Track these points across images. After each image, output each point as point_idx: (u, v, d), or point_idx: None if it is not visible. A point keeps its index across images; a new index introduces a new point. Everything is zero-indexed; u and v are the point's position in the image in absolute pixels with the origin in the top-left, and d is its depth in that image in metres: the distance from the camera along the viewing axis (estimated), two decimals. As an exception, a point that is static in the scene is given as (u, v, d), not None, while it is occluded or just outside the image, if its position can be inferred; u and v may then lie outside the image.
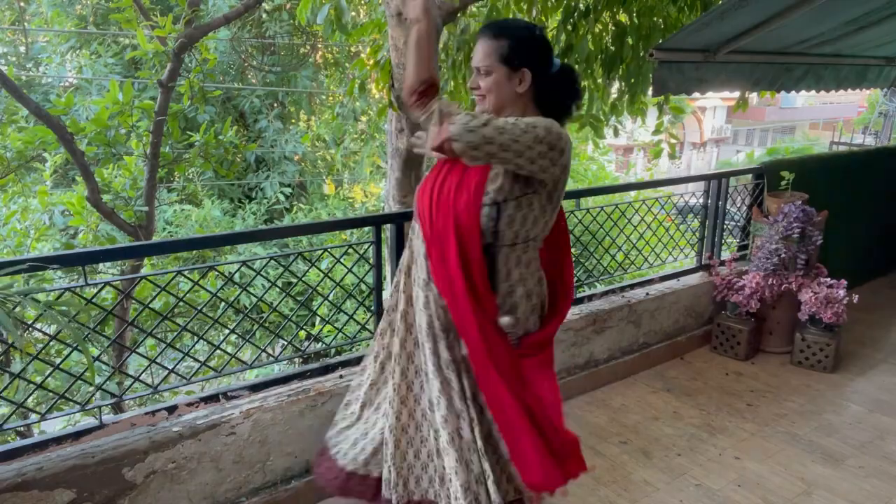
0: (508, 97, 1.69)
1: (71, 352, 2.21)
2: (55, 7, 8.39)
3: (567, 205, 3.44)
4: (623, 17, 3.78)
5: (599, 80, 3.90)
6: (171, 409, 2.17)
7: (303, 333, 4.27)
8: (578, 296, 3.38)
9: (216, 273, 3.33)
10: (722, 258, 3.93)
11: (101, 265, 5.30)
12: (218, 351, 2.36)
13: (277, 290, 2.87)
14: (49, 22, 8.57)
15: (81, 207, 4.37)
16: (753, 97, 4.53)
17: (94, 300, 2.06)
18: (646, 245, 3.66)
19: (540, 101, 1.72)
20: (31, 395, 2.06)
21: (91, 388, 2.17)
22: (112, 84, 4.21)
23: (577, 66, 3.67)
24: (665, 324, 3.66)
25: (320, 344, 4.92)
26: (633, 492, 2.51)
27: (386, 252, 2.61)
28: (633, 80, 3.78)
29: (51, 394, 2.47)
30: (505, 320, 1.67)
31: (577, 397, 3.22)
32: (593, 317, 3.26)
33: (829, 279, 3.58)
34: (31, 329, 2.26)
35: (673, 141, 4.56)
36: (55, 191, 5.46)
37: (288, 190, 9.41)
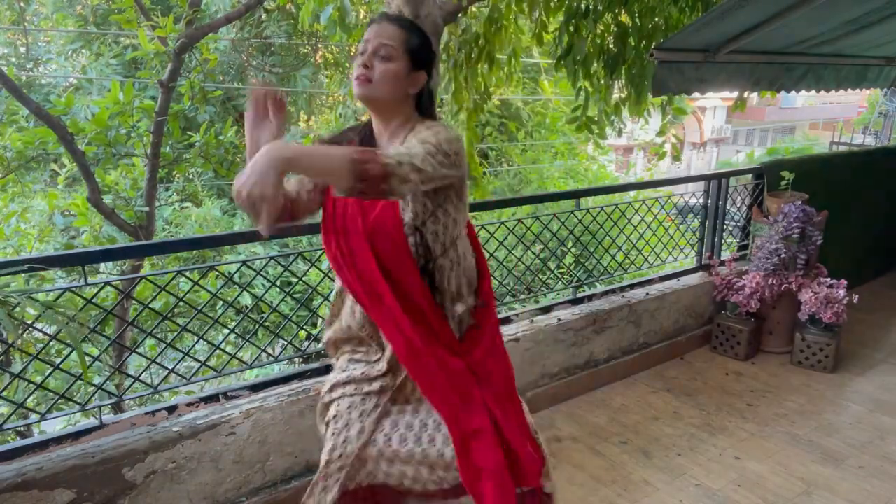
0: (399, 94, 1.54)
1: (71, 352, 2.22)
2: (59, 10, 8.40)
3: (567, 205, 3.45)
4: (625, 18, 3.78)
5: (602, 81, 3.91)
6: (171, 409, 2.18)
7: (303, 333, 4.27)
8: (578, 296, 3.38)
9: (216, 273, 3.34)
10: (722, 258, 3.93)
11: (101, 265, 5.29)
12: (218, 351, 2.36)
13: (277, 289, 2.87)
14: (54, 22, 8.58)
15: (85, 209, 4.37)
16: (753, 97, 4.54)
17: (94, 300, 2.06)
18: (646, 245, 3.66)
19: (419, 106, 1.60)
20: (31, 395, 2.06)
21: (91, 388, 2.17)
22: (113, 84, 4.21)
23: (576, 67, 3.67)
24: (665, 324, 3.66)
25: (320, 344, 4.91)
26: (633, 492, 2.51)
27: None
28: (638, 81, 3.78)
29: (51, 394, 2.47)
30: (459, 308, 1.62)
31: (577, 397, 3.22)
32: (593, 317, 3.26)
33: (829, 279, 3.58)
34: (31, 329, 2.26)
35: (675, 141, 4.56)
36: (54, 191, 5.46)
37: None
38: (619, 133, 4.25)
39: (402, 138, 1.55)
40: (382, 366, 1.65)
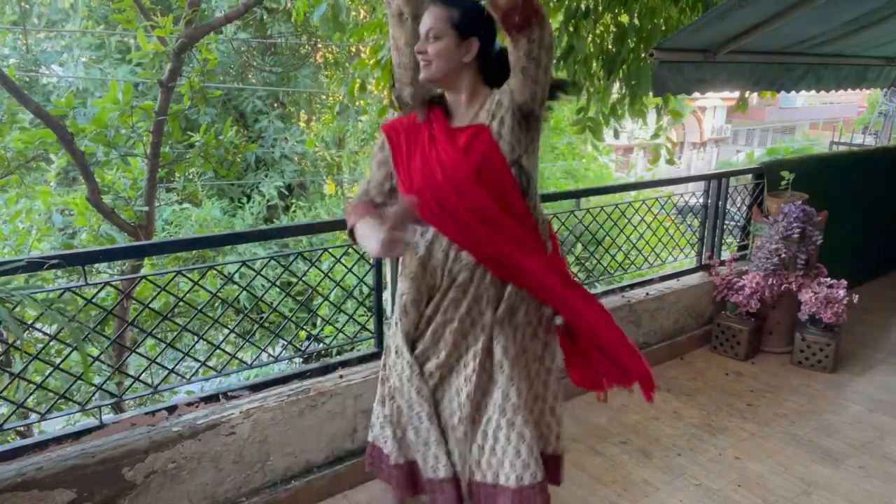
0: (455, 65, 1.67)
1: (71, 352, 2.22)
2: (85, 20, 8.41)
3: (567, 205, 3.45)
4: (624, 18, 3.78)
5: (601, 82, 3.91)
6: (171, 409, 2.18)
7: (303, 333, 4.27)
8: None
9: (216, 273, 3.33)
10: (722, 258, 3.93)
11: (101, 265, 5.30)
12: (218, 351, 2.36)
13: (277, 290, 2.87)
14: (65, 24, 8.58)
15: (85, 208, 4.37)
16: (753, 97, 4.54)
17: (94, 300, 2.06)
18: (646, 245, 3.66)
19: (485, 74, 1.72)
20: (31, 394, 2.06)
21: (91, 388, 2.17)
22: (112, 84, 4.21)
23: (576, 67, 3.67)
24: (665, 324, 3.66)
25: (320, 344, 4.92)
26: (633, 492, 2.51)
27: (386, 252, 2.61)
28: (633, 82, 3.78)
29: (51, 394, 2.47)
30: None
31: (577, 397, 3.22)
32: (593, 317, 3.25)
33: (829, 279, 3.58)
34: (30, 329, 2.26)
35: (669, 145, 4.56)
36: (56, 190, 5.46)
37: (283, 189, 9.40)
38: (616, 134, 4.24)
39: (477, 109, 1.69)
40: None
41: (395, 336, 1.81)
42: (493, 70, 1.71)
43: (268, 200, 8.98)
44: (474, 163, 1.65)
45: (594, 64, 3.75)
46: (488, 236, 1.66)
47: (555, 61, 3.78)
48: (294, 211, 9.31)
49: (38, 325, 2.33)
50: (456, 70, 1.68)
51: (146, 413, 2.14)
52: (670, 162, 4.56)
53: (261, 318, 2.65)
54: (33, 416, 2.15)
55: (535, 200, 1.74)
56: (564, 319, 1.82)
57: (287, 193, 9.60)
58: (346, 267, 2.70)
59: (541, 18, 1.49)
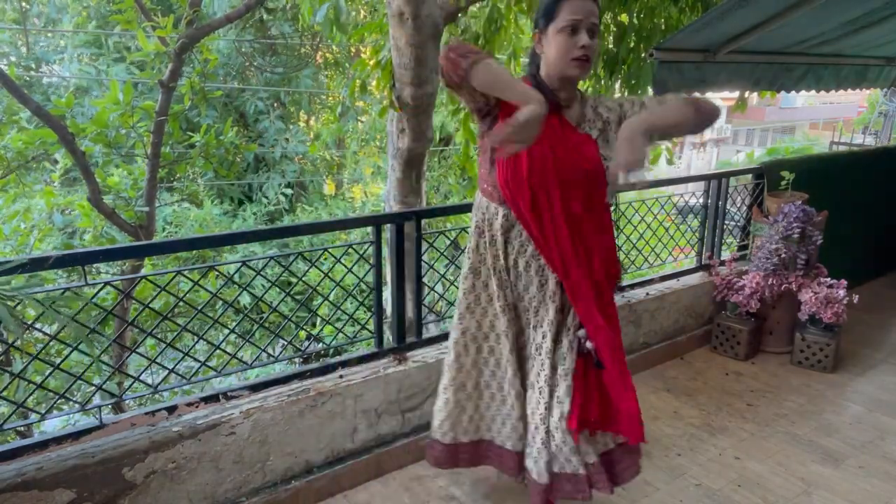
0: None
1: (71, 352, 2.22)
2: (60, 10, 8.40)
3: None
4: (624, 18, 3.79)
5: (602, 82, 3.91)
6: (171, 409, 2.18)
7: (303, 333, 4.28)
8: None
9: (216, 273, 3.34)
10: (722, 258, 3.93)
11: (101, 265, 5.30)
12: (218, 351, 2.36)
13: (277, 290, 2.87)
14: (61, 23, 8.58)
15: (90, 209, 4.37)
16: (753, 97, 4.54)
17: (94, 300, 2.06)
18: (646, 245, 3.66)
19: None
20: (31, 394, 2.06)
21: (91, 388, 2.17)
22: (112, 84, 4.21)
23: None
24: (665, 324, 3.66)
25: (320, 344, 4.92)
26: (633, 492, 2.51)
27: (386, 252, 2.62)
28: (633, 82, 3.78)
29: (51, 394, 2.47)
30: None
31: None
32: (593, 317, 3.25)
33: (829, 279, 3.58)
34: (31, 329, 2.26)
35: (669, 145, 4.56)
36: (58, 191, 5.46)
37: (289, 191, 9.42)
38: (616, 134, 4.24)
39: (579, 111, 1.78)
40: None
41: None
42: None
43: (275, 204, 9.01)
44: (593, 160, 1.77)
45: (595, 64, 3.75)
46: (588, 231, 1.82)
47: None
48: (298, 212, 9.31)
49: (38, 325, 2.33)
50: None
51: (146, 413, 2.14)
52: (670, 162, 4.57)
53: (261, 318, 2.65)
54: (33, 416, 2.15)
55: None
56: (594, 346, 1.92)
57: (289, 194, 9.61)
58: (345, 267, 2.70)
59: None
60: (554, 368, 1.90)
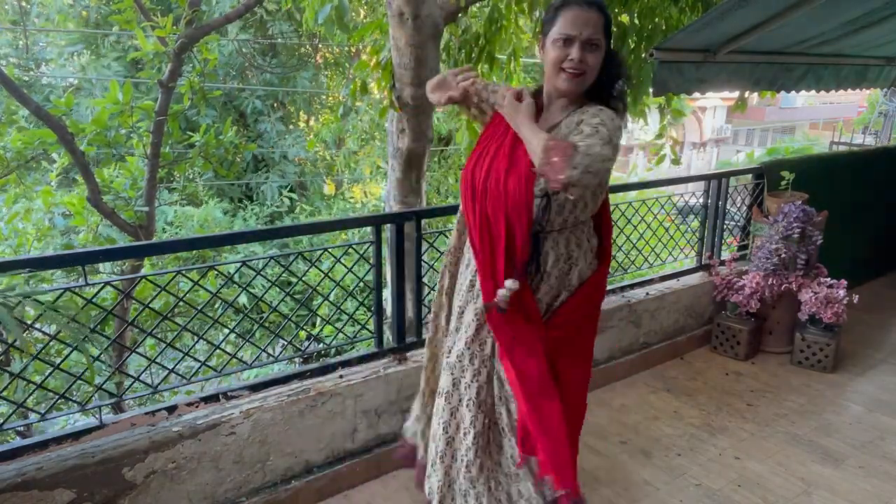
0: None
1: (71, 352, 2.22)
2: (61, 12, 8.41)
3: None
4: (624, 19, 3.79)
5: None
6: (171, 409, 2.17)
7: (303, 333, 4.28)
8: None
9: (216, 273, 3.33)
10: (722, 258, 3.93)
11: (101, 265, 5.29)
12: (218, 351, 2.36)
13: (277, 289, 2.87)
14: (56, 23, 8.58)
15: (82, 207, 4.37)
16: (753, 97, 4.54)
17: (94, 300, 2.06)
18: (646, 245, 3.66)
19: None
20: (31, 394, 2.06)
21: (91, 388, 2.17)
22: (112, 84, 4.21)
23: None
24: (665, 324, 3.66)
25: (320, 344, 4.92)
26: (633, 492, 2.51)
27: (386, 252, 2.62)
28: (634, 82, 3.78)
29: (51, 394, 2.47)
30: (508, 285, 1.63)
31: (577, 397, 3.22)
32: (593, 317, 3.25)
33: (829, 279, 3.58)
34: (30, 329, 2.26)
35: (672, 145, 4.56)
36: (56, 191, 5.45)
37: (294, 196, 9.42)
38: (617, 134, 4.24)
39: (561, 118, 1.66)
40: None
41: None
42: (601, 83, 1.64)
43: (277, 206, 9.01)
44: (511, 187, 1.65)
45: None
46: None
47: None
48: (298, 212, 9.32)
49: (38, 325, 2.33)
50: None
51: (146, 413, 2.14)
52: (675, 162, 4.57)
53: (261, 318, 2.65)
54: (33, 416, 2.15)
55: (545, 262, 1.71)
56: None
57: (284, 193, 9.61)
58: (346, 267, 2.70)
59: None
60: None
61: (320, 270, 2.76)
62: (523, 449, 1.70)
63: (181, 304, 2.30)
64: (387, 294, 2.70)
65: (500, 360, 1.73)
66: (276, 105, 10.06)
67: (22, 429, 3.60)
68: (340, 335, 3.62)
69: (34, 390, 2.06)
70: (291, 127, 10.22)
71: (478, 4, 3.82)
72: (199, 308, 2.44)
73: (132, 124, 4.23)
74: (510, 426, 1.75)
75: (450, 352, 1.81)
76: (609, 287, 3.61)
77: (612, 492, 2.50)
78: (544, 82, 1.72)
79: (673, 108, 4.26)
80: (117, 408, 3.06)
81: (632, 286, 3.62)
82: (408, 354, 2.63)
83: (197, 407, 2.21)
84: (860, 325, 4.11)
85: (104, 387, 2.35)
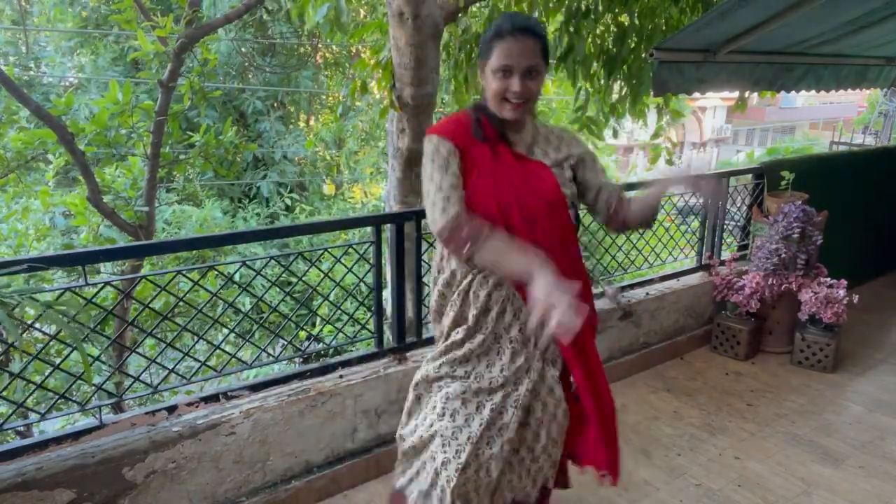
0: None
1: (71, 352, 2.22)
2: (57, 5, 8.40)
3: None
4: (624, 19, 3.79)
5: (601, 82, 3.91)
6: (171, 409, 2.17)
7: (303, 333, 4.28)
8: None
9: (216, 273, 3.33)
10: (722, 258, 3.93)
11: (101, 265, 5.30)
12: (218, 351, 2.36)
13: (277, 289, 2.87)
14: (52, 20, 8.57)
15: (83, 208, 4.37)
16: (753, 97, 4.54)
17: (94, 300, 2.06)
18: (646, 245, 3.66)
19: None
20: (31, 394, 2.06)
21: (91, 388, 2.17)
22: (112, 84, 4.21)
23: (576, 67, 3.67)
24: (665, 324, 3.66)
25: (320, 344, 4.92)
26: (633, 492, 2.51)
27: (386, 252, 2.62)
28: (634, 82, 3.78)
29: (50, 394, 2.47)
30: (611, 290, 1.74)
31: (577, 397, 3.22)
32: (593, 317, 3.25)
33: (829, 279, 3.58)
34: (30, 329, 2.26)
35: (669, 145, 4.56)
36: (56, 191, 5.46)
37: (295, 196, 9.42)
38: (615, 134, 4.24)
39: (530, 140, 1.68)
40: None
41: None
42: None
43: (280, 208, 9.01)
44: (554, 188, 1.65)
45: (594, 64, 3.75)
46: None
47: (554, 62, 3.78)
48: (298, 212, 9.31)
49: (38, 325, 2.33)
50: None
51: (146, 413, 2.14)
52: (670, 162, 4.57)
53: (261, 318, 2.65)
54: (33, 416, 2.15)
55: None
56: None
57: (284, 194, 9.60)
58: (346, 267, 2.70)
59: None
60: None
61: (320, 270, 2.76)
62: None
63: (181, 304, 2.30)
64: (387, 294, 2.70)
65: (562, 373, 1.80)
66: (276, 105, 10.06)
67: (22, 429, 3.60)
68: (340, 335, 3.62)
69: (34, 390, 2.06)
70: (291, 127, 10.21)
71: (478, 4, 3.82)
72: (199, 308, 2.44)
73: (132, 124, 4.23)
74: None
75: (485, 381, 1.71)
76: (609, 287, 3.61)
77: (612, 492, 2.50)
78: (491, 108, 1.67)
79: (671, 108, 4.26)
80: (117, 408, 3.06)
81: (632, 286, 3.62)
82: (408, 354, 2.64)
83: (197, 407, 2.21)
84: (860, 325, 4.11)
85: (104, 387, 2.35)
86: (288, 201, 9.20)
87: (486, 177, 1.61)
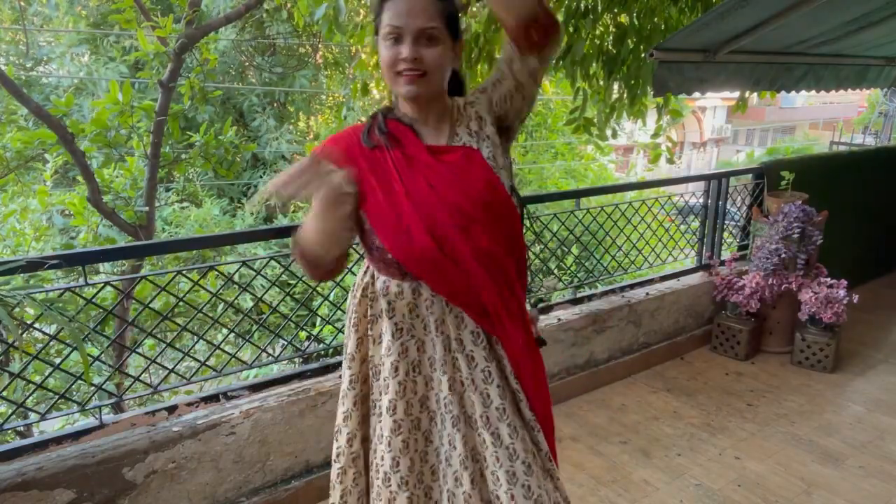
0: (446, 76, 1.35)
1: (71, 352, 2.22)
2: (68, 13, 8.41)
3: (567, 205, 3.45)
4: (623, 19, 3.78)
5: (601, 82, 3.90)
6: (171, 409, 2.18)
7: (303, 334, 4.27)
8: (578, 296, 3.38)
9: (216, 273, 3.33)
10: (722, 258, 3.93)
11: (101, 265, 5.30)
12: (218, 351, 2.36)
13: (277, 289, 2.87)
14: (61, 21, 8.58)
15: (82, 208, 4.37)
16: (753, 97, 4.54)
17: (94, 300, 2.06)
18: (646, 245, 3.66)
19: (451, 83, 1.41)
20: (31, 394, 2.06)
21: (91, 388, 2.17)
22: (112, 84, 4.21)
23: (575, 67, 3.67)
24: (665, 324, 3.66)
25: (320, 344, 4.91)
26: (633, 492, 2.51)
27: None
28: (633, 82, 3.78)
29: (50, 393, 2.47)
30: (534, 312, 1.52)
31: (577, 397, 3.22)
32: (593, 317, 3.26)
33: (829, 279, 3.58)
34: (30, 329, 2.26)
35: (669, 144, 4.55)
36: (55, 191, 5.46)
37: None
38: (615, 135, 4.24)
39: (450, 125, 1.39)
40: None
41: None
42: (457, 77, 1.43)
43: (266, 200, 8.95)
44: (482, 185, 1.35)
45: (594, 64, 3.75)
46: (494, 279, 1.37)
47: (553, 62, 3.78)
48: (294, 211, 9.30)
49: (38, 325, 2.33)
50: (444, 82, 1.35)
51: (146, 413, 2.14)
52: (671, 161, 4.56)
53: (261, 318, 2.65)
54: (33, 416, 2.15)
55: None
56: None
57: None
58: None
59: (559, 33, 1.29)
60: None
61: (320, 270, 2.76)
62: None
63: (181, 304, 2.30)
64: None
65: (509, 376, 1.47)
66: (275, 104, 10.06)
67: (22, 429, 3.60)
68: (340, 335, 3.61)
69: (34, 390, 2.06)
70: (290, 126, 10.21)
71: (478, 4, 3.82)
72: (199, 308, 2.44)
73: (132, 124, 4.23)
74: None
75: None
76: (609, 287, 3.62)
77: (612, 492, 2.50)
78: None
79: (671, 108, 4.26)
80: (117, 408, 3.05)
81: (632, 286, 3.63)
82: (408, 354, 2.63)
83: (197, 407, 2.22)
84: (860, 325, 4.11)
85: (104, 387, 2.35)
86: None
87: (389, 193, 1.33)
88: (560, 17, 3.68)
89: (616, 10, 3.65)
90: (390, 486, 1.45)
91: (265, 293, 5.32)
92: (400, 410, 1.45)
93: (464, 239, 1.32)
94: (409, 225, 1.31)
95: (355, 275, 2.73)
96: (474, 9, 3.97)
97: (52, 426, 3.99)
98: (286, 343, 2.58)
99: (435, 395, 1.45)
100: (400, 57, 1.28)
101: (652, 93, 3.17)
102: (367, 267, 1.50)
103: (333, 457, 1.59)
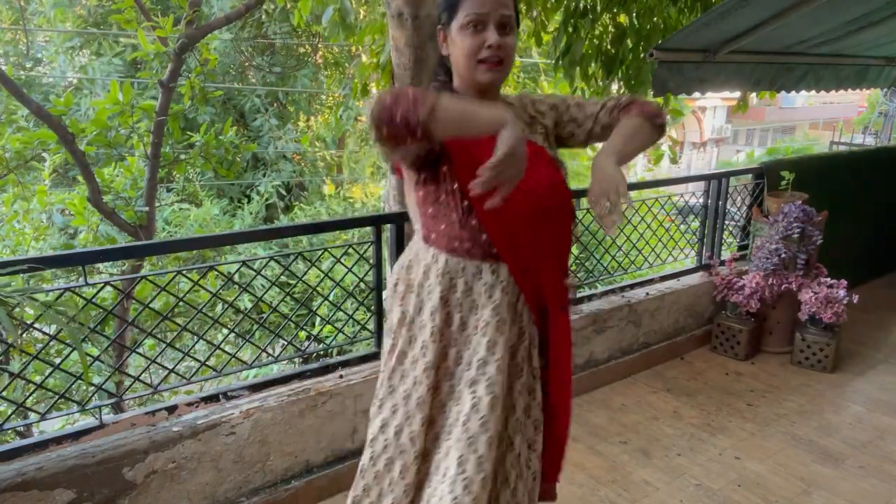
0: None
1: (71, 352, 2.22)
2: (57, 6, 8.39)
3: (567, 205, 3.45)
4: (623, 19, 3.78)
5: (600, 83, 3.90)
6: (171, 409, 2.18)
7: (303, 334, 4.27)
8: (578, 295, 3.38)
9: (216, 273, 3.33)
10: (722, 258, 3.93)
11: (101, 265, 5.29)
12: (218, 351, 2.36)
13: (277, 289, 2.87)
14: (51, 21, 8.57)
15: (82, 207, 4.37)
16: (753, 97, 4.54)
17: (94, 300, 2.06)
18: (646, 245, 3.66)
19: None
20: (31, 394, 2.06)
21: (91, 388, 2.17)
22: (112, 84, 4.21)
23: (574, 68, 3.67)
24: (665, 324, 3.66)
25: (320, 344, 4.91)
26: (633, 492, 2.51)
27: (386, 252, 2.61)
28: (632, 82, 3.78)
29: (50, 393, 2.47)
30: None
31: (577, 397, 3.22)
32: (593, 317, 3.26)
33: (829, 279, 3.58)
34: (30, 329, 2.26)
35: (671, 143, 4.55)
36: (54, 191, 5.46)
37: (281, 188, 9.38)
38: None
39: (515, 113, 1.44)
40: None
41: None
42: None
43: (266, 199, 8.96)
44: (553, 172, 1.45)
45: (592, 64, 3.75)
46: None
47: (553, 62, 3.78)
48: (295, 211, 9.31)
49: (38, 325, 2.33)
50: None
51: (146, 413, 2.14)
52: (674, 161, 4.56)
53: (261, 318, 2.65)
54: (33, 416, 2.15)
55: None
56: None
57: (285, 193, 9.59)
58: (345, 267, 2.70)
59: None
60: None
61: (320, 270, 2.76)
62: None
63: (181, 304, 2.30)
64: (386, 293, 2.69)
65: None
66: (274, 104, 10.07)
67: (22, 429, 3.60)
68: (340, 335, 3.62)
69: (34, 390, 2.06)
70: (290, 126, 10.21)
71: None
72: (199, 308, 2.44)
73: (132, 124, 4.23)
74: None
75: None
76: (609, 287, 3.62)
77: (612, 492, 2.50)
78: (456, 86, 1.43)
79: (671, 108, 4.26)
80: (117, 408, 3.05)
81: (632, 286, 3.62)
82: (408, 354, 2.63)
83: (197, 407, 2.22)
84: (860, 325, 4.11)
85: (104, 387, 2.35)
86: (278, 195, 9.15)
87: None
88: (559, 17, 3.69)
89: (615, 10, 3.66)
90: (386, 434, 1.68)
91: (265, 293, 5.31)
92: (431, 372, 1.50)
93: (546, 221, 1.41)
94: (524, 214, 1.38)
95: (355, 275, 2.74)
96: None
97: (52, 426, 3.99)
98: (286, 343, 2.58)
99: (460, 372, 1.49)
100: (486, 44, 1.30)
101: (652, 93, 3.17)
102: (420, 246, 1.53)
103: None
